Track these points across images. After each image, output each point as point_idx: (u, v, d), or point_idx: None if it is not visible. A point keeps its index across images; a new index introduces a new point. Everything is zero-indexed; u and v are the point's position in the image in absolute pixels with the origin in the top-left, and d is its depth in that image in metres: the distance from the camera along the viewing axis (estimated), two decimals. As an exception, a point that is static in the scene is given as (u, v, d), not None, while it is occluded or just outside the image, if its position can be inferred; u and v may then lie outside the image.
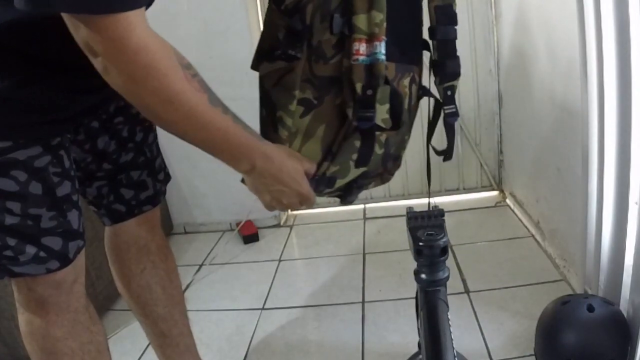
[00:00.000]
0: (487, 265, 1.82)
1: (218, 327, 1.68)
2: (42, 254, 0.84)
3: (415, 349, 1.21)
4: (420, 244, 0.85)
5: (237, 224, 2.35)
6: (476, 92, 2.32)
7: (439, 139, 0.93)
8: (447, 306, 0.86)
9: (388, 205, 2.45)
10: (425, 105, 0.94)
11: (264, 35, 0.82)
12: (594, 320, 1.17)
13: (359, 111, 0.78)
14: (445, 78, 0.86)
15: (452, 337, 0.81)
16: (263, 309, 1.76)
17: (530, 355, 1.33)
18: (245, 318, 1.71)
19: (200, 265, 2.13)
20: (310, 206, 0.86)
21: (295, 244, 2.26)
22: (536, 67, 1.79)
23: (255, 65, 0.84)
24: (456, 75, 0.87)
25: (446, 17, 0.83)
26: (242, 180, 0.84)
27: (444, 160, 0.93)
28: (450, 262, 1.80)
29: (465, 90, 2.29)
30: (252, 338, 1.61)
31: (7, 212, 0.81)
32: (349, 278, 1.88)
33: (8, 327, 1.45)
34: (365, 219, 2.37)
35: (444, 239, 0.85)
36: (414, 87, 0.86)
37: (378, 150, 0.84)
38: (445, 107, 0.87)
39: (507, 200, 2.33)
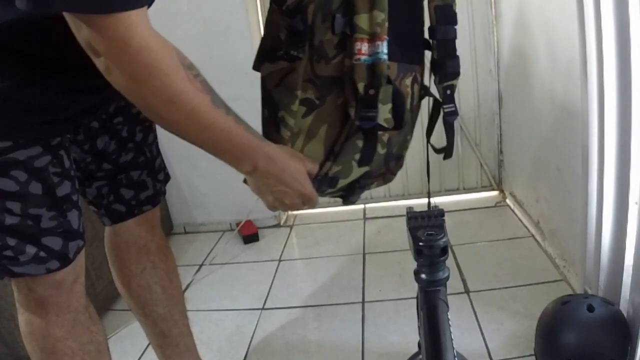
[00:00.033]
0: (487, 265, 1.82)
1: (218, 327, 1.68)
2: (42, 254, 0.84)
3: (415, 349, 1.21)
4: (420, 244, 0.85)
5: (237, 224, 2.35)
6: (476, 92, 2.32)
7: (439, 138, 0.93)
8: (447, 306, 0.86)
9: (388, 205, 2.45)
10: (424, 105, 0.94)
11: (265, 36, 0.82)
12: (594, 320, 1.17)
13: (361, 111, 0.78)
14: (445, 77, 0.87)
15: (452, 337, 0.81)
16: (263, 309, 1.76)
17: (530, 355, 1.33)
18: (245, 318, 1.71)
19: (200, 265, 2.13)
20: (313, 206, 0.86)
21: (295, 244, 2.26)
22: (536, 67, 1.79)
23: (256, 66, 0.84)
24: (456, 74, 0.87)
25: (446, 17, 0.84)
26: (245, 181, 0.84)
27: (444, 158, 0.93)
28: (450, 262, 1.80)
29: (465, 90, 2.29)
30: (252, 338, 1.61)
31: (7, 212, 0.81)
32: (349, 278, 1.88)
33: (8, 327, 1.45)
34: (365, 219, 2.37)
35: (444, 239, 0.85)
36: (416, 87, 0.86)
37: (380, 150, 0.84)
38: (444, 106, 0.88)
39: (507, 200, 2.33)
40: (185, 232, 2.48)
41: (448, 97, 0.87)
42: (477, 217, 2.25)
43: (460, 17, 0.86)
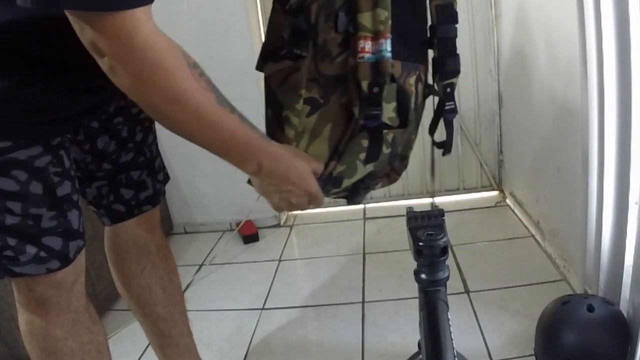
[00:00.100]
0: (487, 265, 1.82)
1: (218, 327, 1.68)
2: (42, 253, 0.84)
3: (415, 349, 1.21)
4: (420, 244, 0.84)
5: (237, 224, 2.35)
6: (476, 92, 2.32)
7: (438, 136, 0.94)
8: (447, 306, 0.85)
9: (388, 205, 2.45)
10: (427, 104, 0.95)
11: (268, 36, 0.81)
12: (594, 320, 1.17)
13: (366, 109, 0.77)
14: (445, 75, 0.87)
15: (452, 337, 0.81)
16: (263, 309, 1.76)
17: (530, 355, 1.33)
18: (245, 318, 1.71)
19: (200, 265, 2.13)
20: (319, 205, 0.86)
21: (295, 244, 2.26)
22: (536, 67, 1.79)
23: (260, 66, 0.83)
24: (456, 72, 0.87)
25: (447, 16, 0.84)
26: (249, 182, 0.84)
27: (444, 154, 0.93)
28: (450, 262, 1.79)
29: (465, 90, 2.29)
30: (252, 338, 1.61)
31: (7, 212, 0.81)
32: (349, 278, 1.88)
33: (8, 327, 1.45)
34: (365, 219, 2.38)
35: (444, 239, 0.84)
36: (420, 86, 0.86)
37: (385, 150, 0.84)
38: (445, 104, 0.88)
39: (507, 200, 2.33)
40: (185, 232, 2.48)
41: (448, 95, 0.87)
42: (477, 217, 2.25)
43: (460, 16, 0.86)
